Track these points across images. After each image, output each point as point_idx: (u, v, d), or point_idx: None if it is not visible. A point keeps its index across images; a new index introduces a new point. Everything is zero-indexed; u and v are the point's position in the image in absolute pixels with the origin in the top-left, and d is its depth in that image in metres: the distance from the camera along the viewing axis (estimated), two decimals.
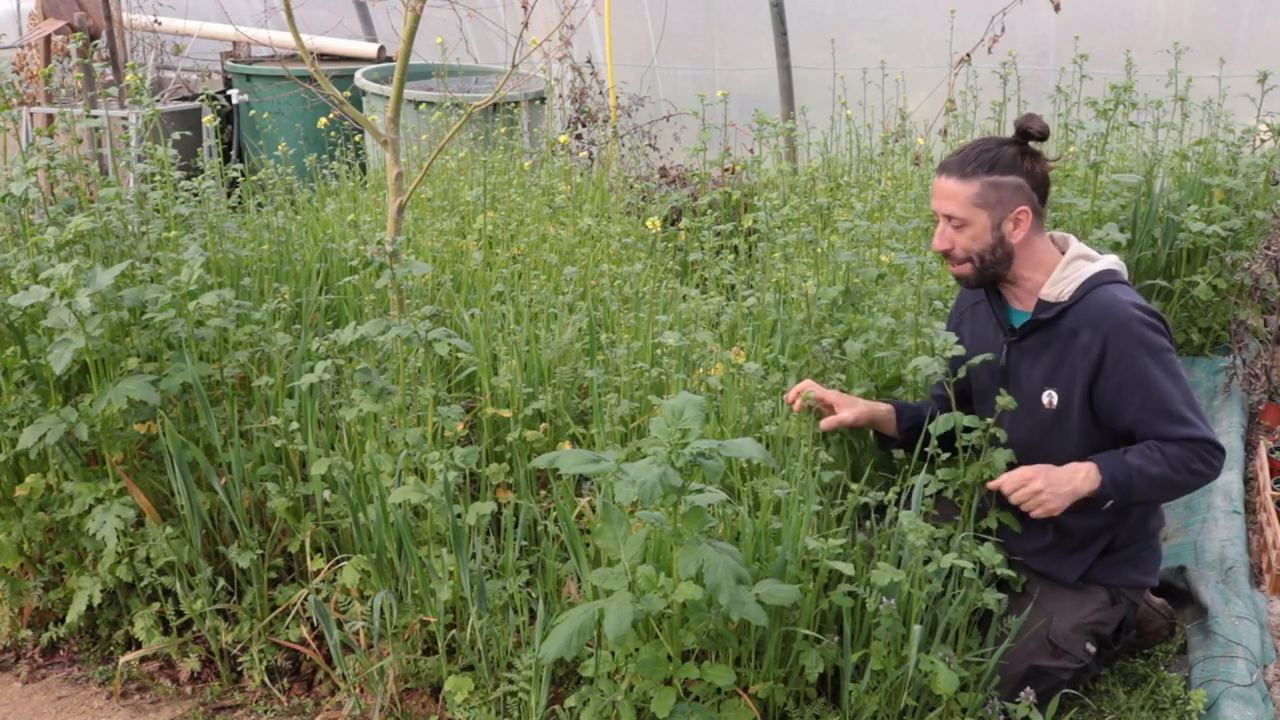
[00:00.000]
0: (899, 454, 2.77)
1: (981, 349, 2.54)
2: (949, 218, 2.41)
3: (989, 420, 2.41)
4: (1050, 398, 2.43)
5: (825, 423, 2.62)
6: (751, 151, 5.44)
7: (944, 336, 2.41)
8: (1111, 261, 2.46)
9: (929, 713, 2.32)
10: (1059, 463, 2.37)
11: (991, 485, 2.40)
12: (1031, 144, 2.42)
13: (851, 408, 2.63)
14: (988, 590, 2.35)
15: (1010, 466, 2.43)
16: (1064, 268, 2.43)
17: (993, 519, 2.51)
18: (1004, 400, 2.36)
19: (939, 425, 2.40)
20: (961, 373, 2.43)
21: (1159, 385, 2.32)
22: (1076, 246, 2.47)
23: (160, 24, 7.33)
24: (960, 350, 2.40)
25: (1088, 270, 2.42)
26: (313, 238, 4.12)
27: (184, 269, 2.76)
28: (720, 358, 2.92)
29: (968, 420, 2.41)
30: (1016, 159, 2.39)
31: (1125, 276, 2.46)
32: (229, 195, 4.24)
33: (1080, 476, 2.34)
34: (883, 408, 2.67)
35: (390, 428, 2.68)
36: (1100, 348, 2.34)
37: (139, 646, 2.78)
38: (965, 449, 2.46)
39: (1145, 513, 2.52)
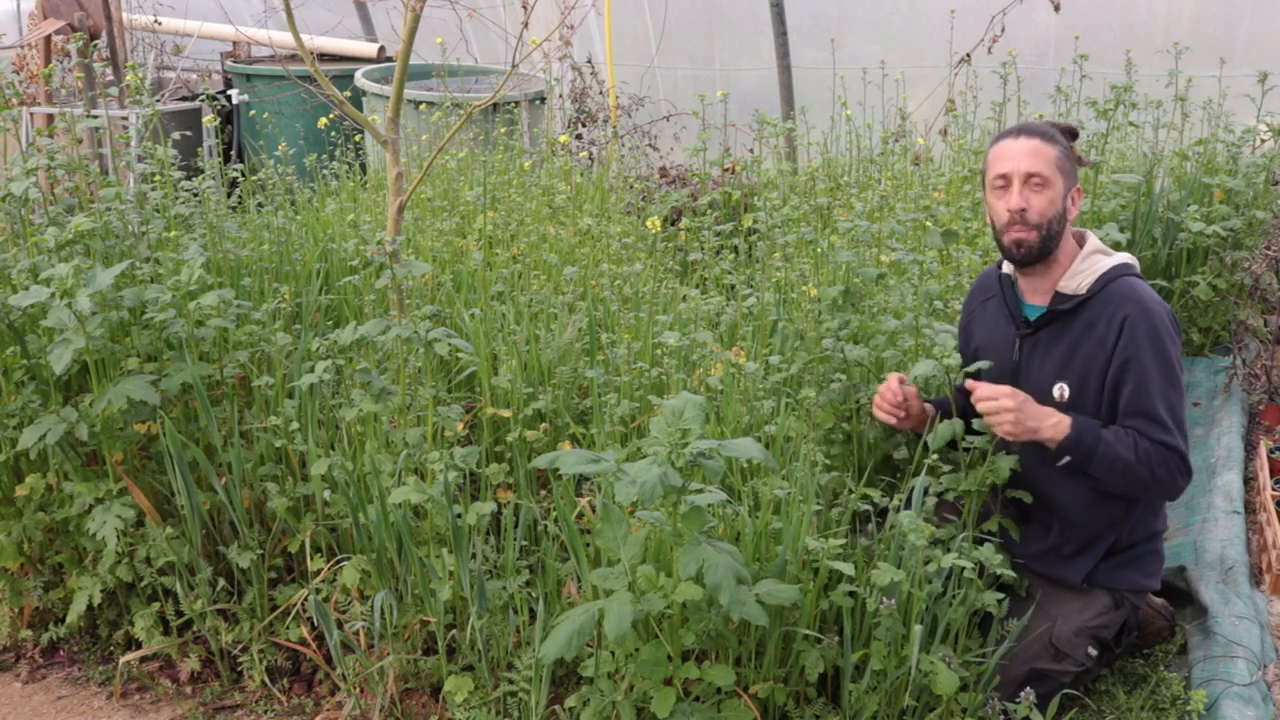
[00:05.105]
0: (900, 455, 2.77)
1: (993, 344, 2.55)
2: (1030, 177, 2.41)
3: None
4: (1061, 390, 2.42)
5: (902, 424, 2.58)
6: (751, 151, 5.44)
7: (943, 340, 2.40)
8: (1126, 257, 2.48)
9: (929, 713, 2.32)
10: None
11: (969, 384, 2.39)
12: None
13: (924, 410, 2.61)
14: (987, 591, 2.35)
15: (1012, 472, 2.43)
16: (1082, 260, 2.46)
17: (994, 523, 2.51)
18: (981, 364, 2.38)
19: (939, 435, 2.40)
20: (958, 378, 2.42)
21: (1151, 384, 2.33)
22: (1093, 241, 2.50)
23: (160, 24, 7.33)
24: (956, 359, 2.38)
25: (1105, 264, 2.44)
26: (313, 238, 4.12)
27: (184, 269, 2.76)
28: (720, 358, 2.92)
29: (976, 425, 2.40)
30: (1070, 146, 2.48)
31: (1139, 271, 2.49)
32: (229, 195, 4.24)
33: (1050, 422, 2.34)
34: (929, 408, 2.65)
35: (390, 428, 2.68)
36: (1116, 334, 2.36)
37: (139, 646, 2.78)
38: (967, 450, 2.46)
39: (1149, 515, 2.52)
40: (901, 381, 2.55)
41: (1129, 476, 2.34)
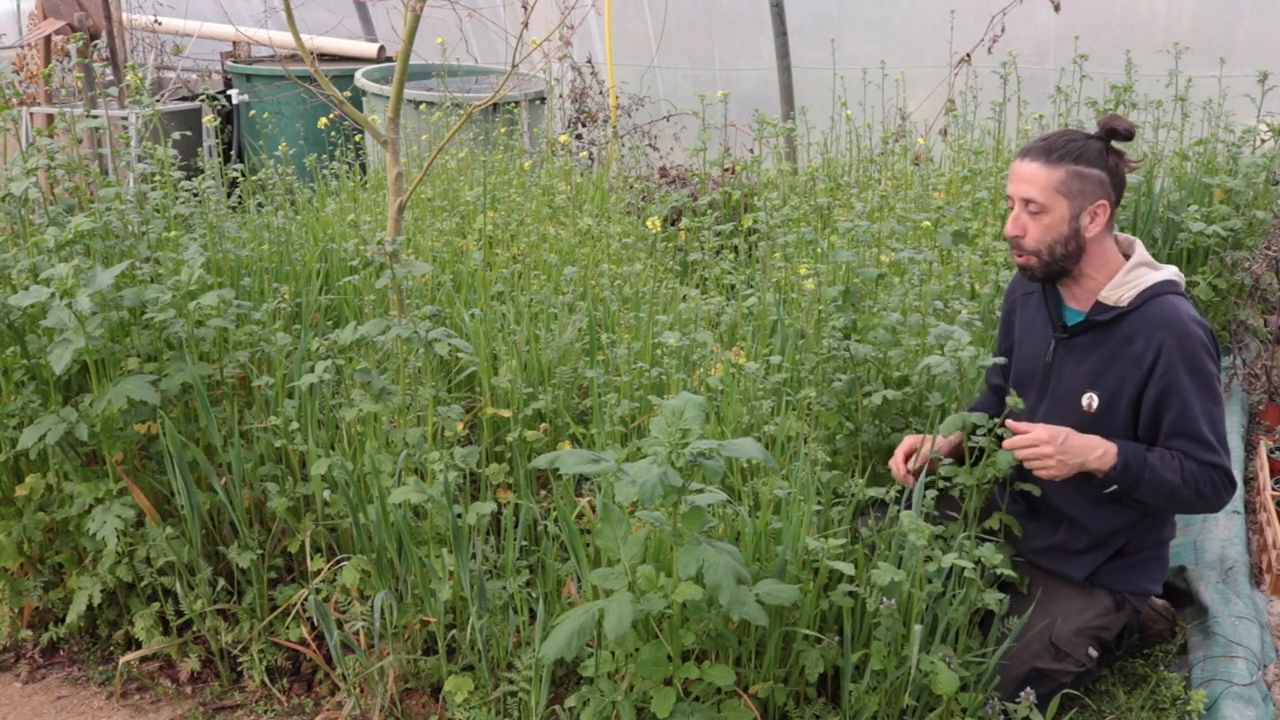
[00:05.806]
0: None
1: (1029, 341, 2.53)
2: (1027, 202, 2.36)
3: (995, 420, 2.40)
4: (1090, 400, 2.41)
5: (922, 459, 2.50)
6: (751, 151, 5.44)
7: (956, 337, 2.38)
8: (1172, 272, 2.42)
9: (929, 713, 2.31)
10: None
11: (1005, 444, 2.36)
12: (1115, 143, 2.38)
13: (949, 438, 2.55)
14: (988, 590, 2.35)
15: (1015, 467, 2.42)
16: (1127, 273, 2.40)
17: (996, 520, 2.51)
18: (1012, 400, 2.36)
19: (946, 426, 2.39)
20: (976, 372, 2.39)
21: (1194, 407, 2.31)
22: (1141, 252, 2.44)
23: (160, 24, 7.33)
24: (969, 353, 2.35)
25: (1151, 278, 2.39)
26: (313, 238, 4.12)
27: (184, 269, 2.76)
28: (720, 358, 2.92)
29: (975, 418, 2.39)
30: (1102, 153, 2.36)
31: (1183, 288, 2.44)
32: (229, 195, 4.24)
33: (1097, 453, 2.32)
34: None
35: (390, 428, 2.68)
36: (1153, 357, 2.32)
37: (139, 646, 2.78)
38: (971, 449, 2.45)
39: (1159, 522, 2.52)
40: (907, 457, 2.53)
41: (1175, 498, 2.33)
